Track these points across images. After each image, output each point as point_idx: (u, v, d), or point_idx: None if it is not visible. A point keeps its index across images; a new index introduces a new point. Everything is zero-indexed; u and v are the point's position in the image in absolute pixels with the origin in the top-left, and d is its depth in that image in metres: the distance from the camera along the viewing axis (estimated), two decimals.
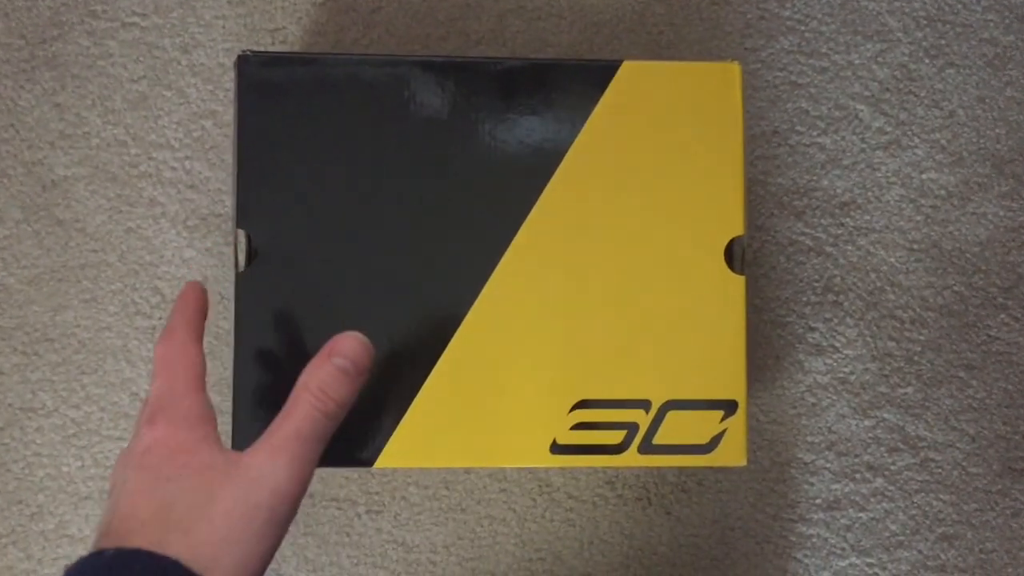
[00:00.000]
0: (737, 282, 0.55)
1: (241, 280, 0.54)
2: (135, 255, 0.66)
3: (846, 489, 0.67)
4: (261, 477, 0.35)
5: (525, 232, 0.54)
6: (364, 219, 0.54)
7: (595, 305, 0.55)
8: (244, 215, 0.54)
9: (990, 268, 0.68)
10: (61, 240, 0.65)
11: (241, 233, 0.54)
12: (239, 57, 0.55)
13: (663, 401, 0.54)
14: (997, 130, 0.68)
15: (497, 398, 0.54)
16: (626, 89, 0.55)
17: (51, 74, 0.66)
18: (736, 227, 0.55)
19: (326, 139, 0.54)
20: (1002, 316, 0.68)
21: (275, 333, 0.53)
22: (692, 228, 0.55)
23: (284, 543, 0.63)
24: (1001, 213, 0.68)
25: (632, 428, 0.54)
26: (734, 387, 0.55)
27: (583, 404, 0.54)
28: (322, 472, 0.65)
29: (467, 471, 0.66)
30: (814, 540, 0.67)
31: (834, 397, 0.67)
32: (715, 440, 0.55)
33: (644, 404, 0.54)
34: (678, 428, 0.54)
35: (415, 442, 0.53)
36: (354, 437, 0.53)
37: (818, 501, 0.67)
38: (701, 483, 0.66)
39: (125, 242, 0.66)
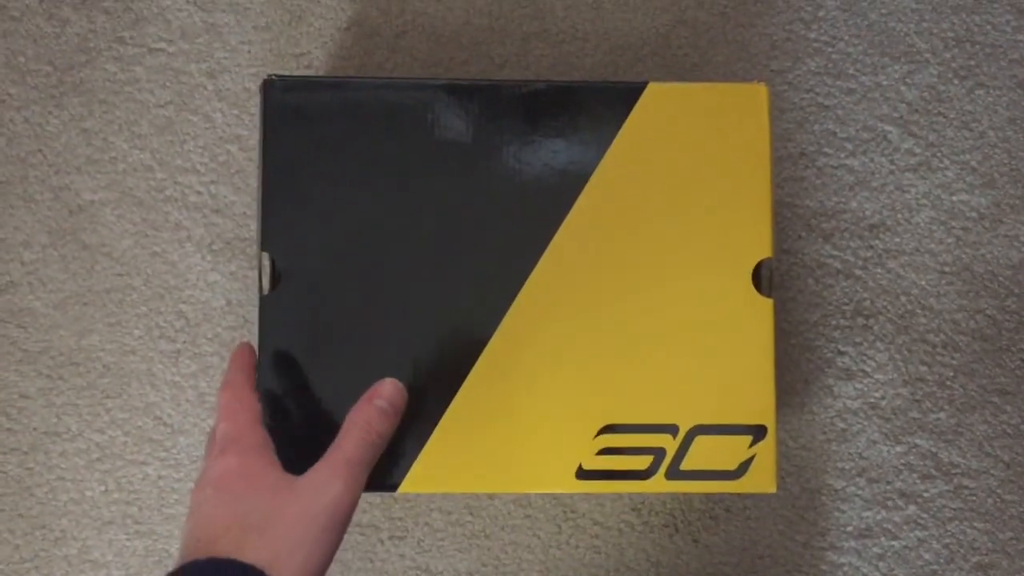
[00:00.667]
0: (765, 305, 0.54)
1: (265, 303, 0.53)
2: (160, 279, 0.66)
3: (878, 517, 0.65)
4: (321, 492, 0.42)
5: (550, 255, 0.54)
6: (388, 243, 0.54)
7: (621, 328, 0.54)
8: (268, 238, 0.54)
9: (1023, 291, 0.67)
10: (87, 264, 0.66)
11: (265, 256, 0.54)
12: (264, 82, 0.55)
13: (691, 426, 0.54)
14: None
15: (522, 423, 0.53)
16: (651, 111, 0.55)
17: (79, 100, 0.67)
18: (764, 249, 0.54)
19: (351, 162, 0.54)
20: None
21: (299, 356, 0.53)
22: (719, 250, 0.54)
23: None
24: None
25: (659, 453, 0.53)
26: (763, 412, 0.54)
27: (609, 429, 0.53)
28: None
29: (491, 497, 0.65)
30: (845, 569, 0.65)
31: (865, 423, 0.66)
32: (744, 466, 0.54)
33: (671, 429, 0.54)
34: (706, 453, 0.54)
35: (439, 467, 0.53)
36: (379, 462, 0.52)
37: (849, 529, 0.65)
38: (729, 510, 0.65)
39: (150, 266, 0.66)
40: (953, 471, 0.66)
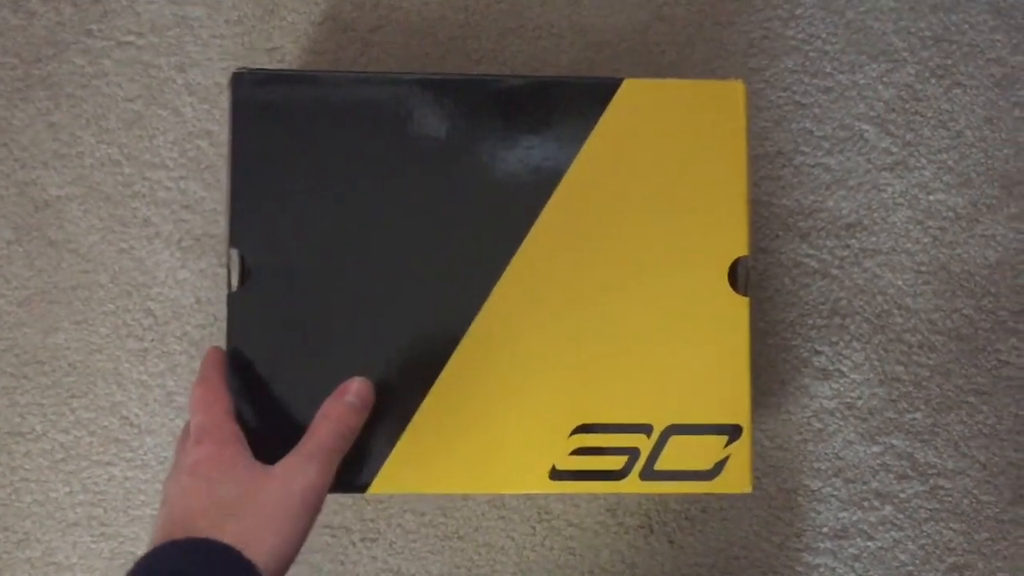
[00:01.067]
0: (741, 303, 0.54)
1: (233, 300, 0.52)
2: (128, 276, 0.64)
3: (854, 517, 0.65)
4: (294, 478, 0.44)
5: (523, 253, 0.53)
6: (360, 240, 0.53)
7: (595, 327, 0.53)
8: (237, 235, 0.53)
9: (1000, 291, 0.67)
10: (53, 261, 0.64)
11: (234, 253, 0.53)
12: (234, 75, 0.54)
13: (665, 425, 0.53)
14: (1005, 151, 0.67)
15: (495, 422, 0.53)
16: (628, 107, 0.54)
17: (45, 93, 0.65)
18: (740, 247, 0.54)
19: (322, 158, 0.53)
20: (1012, 340, 0.66)
21: (268, 354, 0.52)
22: (695, 248, 0.54)
23: None
24: (1010, 235, 0.67)
25: (633, 453, 0.53)
26: (738, 411, 0.53)
27: (583, 428, 0.53)
28: None
29: (464, 498, 0.64)
30: (821, 570, 0.65)
31: (841, 423, 0.66)
32: (719, 466, 0.53)
33: (646, 428, 0.53)
34: (681, 453, 0.53)
35: (411, 467, 0.52)
36: (348, 461, 0.51)
37: (825, 530, 0.65)
38: (705, 510, 0.65)
39: (118, 263, 0.64)
40: (929, 471, 0.65)
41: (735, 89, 0.55)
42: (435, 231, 0.53)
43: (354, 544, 0.64)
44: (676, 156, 0.54)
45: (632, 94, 0.55)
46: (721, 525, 0.65)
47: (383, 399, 0.52)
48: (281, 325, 0.52)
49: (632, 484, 0.53)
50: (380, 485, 0.52)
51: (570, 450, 0.53)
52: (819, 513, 0.65)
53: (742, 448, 0.53)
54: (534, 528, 0.64)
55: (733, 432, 0.53)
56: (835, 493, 0.65)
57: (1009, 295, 0.66)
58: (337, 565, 0.64)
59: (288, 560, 0.43)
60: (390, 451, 0.52)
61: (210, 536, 0.41)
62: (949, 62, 0.68)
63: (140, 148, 0.65)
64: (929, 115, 0.67)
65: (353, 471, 0.51)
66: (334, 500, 0.64)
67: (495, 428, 0.52)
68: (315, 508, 0.44)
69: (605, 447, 0.53)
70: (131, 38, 0.66)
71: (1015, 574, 0.65)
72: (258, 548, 0.41)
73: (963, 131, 0.67)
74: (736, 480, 0.53)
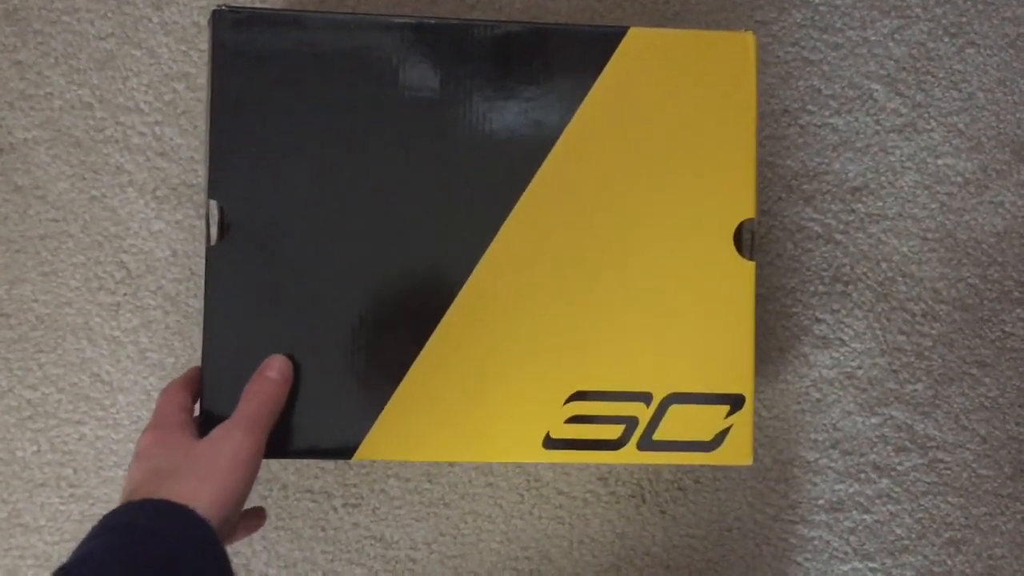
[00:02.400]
0: (747, 268, 0.51)
1: (212, 255, 0.50)
2: (99, 226, 0.61)
3: (850, 490, 0.63)
4: (223, 439, 0.47)
5: (520, 211, 0.51)
6: (346, 193, 0.50)
7: (594, 290, 0.51)
8: (217, 186, 0.50)
9: (1007, 260, 0.64)
10: (19, 208, 0.61)
11: (213, 204, 0.50)
12: (214, 12, 0.50)
13: (665, 394, 0.51)
14: (1018, 114, 0.65)
15: (487, 387, 0.50)
16: (632, 58, 0.51)
17: (11, 29, 0.61)
18: (747, 209, 0.51)
19: (307, 106, 0.50)
20: (1018, 311, 0.64)
21: (247, 311, 0.49)
22: (700, 210, 0.51)
23: (255, 537, 0.59)
24: (1020, 202, 0.64)
25: (631, 423, 0.51)
26: (741, 380, 0.51)
27: (579, 396, 0.50)
28: (297, 462, 0.61)
29: (451, 464, 0.62)
30: (816, 543, 0.63)
31: (840, 393, 0.64)
32: (719, 437, 0.51)
33: (645, 397, 0.51)
34: (680, 423, 0.51)
35: (398, 433, 0.50)
36: (331, 425, 0.50)
37: (821, 502, 0.63)
38: (698, 481, 0.63)
39: (89, 212, 0.61)
40: (928, 444, 0.64)
41: (745, 41, 0.52)
42: (425, 186, 0.50)
43: (336, 510, 0.61)
44: (681, 111, 0.51)
45: (637, 44, 0.52)
46: (714, 496, 0.63)
47: (370, 362, 0.49)
48: (262, 282, 0.50)
49: (629, 454, 0.51)
50: (366, 451, 0.50)
51: (565, 418, 0.50)
52: (815, 485, 0.63)
53: (744, 419, 0.51)
54: (522, 496, 0.62)
55: (735, 402, 0.51)
56: (832, 465, 0.63)
57: (1016, 265, 0.64)
58: (318, 531, 0.61)
59: (229, 509, 0.45)
60: (377, 416, 0.50)
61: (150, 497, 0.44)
62: (963, 19, 0.65)
63: (112, 90, 0.61)
64: (941, 75, 0.65)
65: (337, 435, 0.50)
66: (315, 464, 0.61)
67: (487, 393, 0.50)
68: (245, 464, 0.46)
69: (602, 415, 0.51)
70: None
71: (1013, 550, 0.64)
72: (198, 502, 0.43)
73: (975, 93, 0.65)
74: (737, 452, 0.51)
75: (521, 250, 0.51)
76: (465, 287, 0.50)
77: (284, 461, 0.61)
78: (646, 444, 0.51)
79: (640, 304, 0.51)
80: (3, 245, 0.61)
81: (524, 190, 0.51)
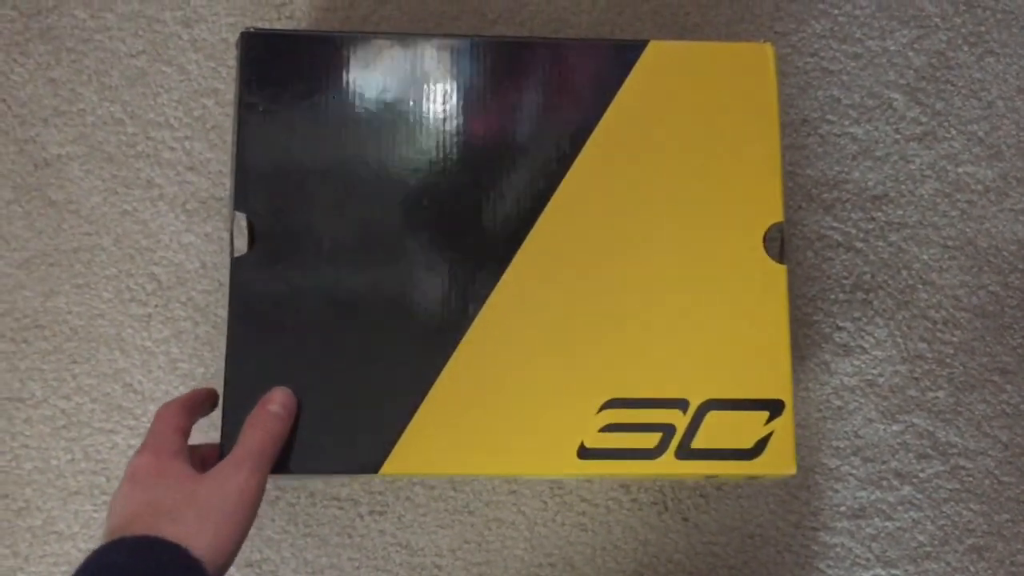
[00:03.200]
0: (778, 271, 0.52)
1: (237, 266, 0.50)
2: (131, 239, 0.62)
3: (872, 497, 0.64)
4: (228, 478, 0.46)
5: (546, 219, 0.51)
6: (372, 205, 0.51)
7: (626, 296, 0.51)
8: (243, 198, 0.51)
9: None
10: (53, 222, 0.62)
11: (240, 217, 0.51)
12: (242, 35, 0.52)
13: (702, 400, 0.50)
14: None
15: (517, 397, 0.50)
16: (653, 70, 0.52)
17: (45, 48, 0.63)
18: (775, 213, 0.52)
19: (332, 122, 0.51)
20: None
21: (272, 323, 0.50)
22: (728, 215, 0.52)
23: (282, 544, 0.60)
24: None
25: (668, 430, 0.50)
26: (779, 385, 0.50)
27: (614, 403, 0.50)
28: None
29: None
30: (838, 550, 0.64)
31: (861, 400, 0.64)
32: (760, 444, 0.50)
33: (681, 404, 0.50)
34: (719, 430, 0.50)
35: (425, 446, 0.49)
36: (357, 439, 0.49)
37: (843, 509, 0.64)
38: (720, 488, 0.63)
39: (120, 225, 0.62)
40: (950, 451, 0.64)
41: (764, 52, 0.53)
42: (449, 199, 0.51)
43: (362, 517, 0.62)
44: (704, 121, 0.52)
45: (657, 57, 0.52)
46: (736, 503, 0.63)
47: (396, 372, 0.50)
48: (287, 293, 0.50)
49: (668, 464, 0.50)
50: (392, 466, 0.49)
51: (600, 427, 0.50)
52: (836, 492, 0.64)
53: (784, 425, 0.50)
54: (546, 503, 0.63)
55: (774, 408, 0.50)
56: (853, 472, 0.64)
57: None
58: (344, 538, 0.62)
59: (228, 555, 0.44)
60: (403, 428, 0.49)
61: (146, 534, 0.43)
62: (982, 28, 0.65)
63: (144, 106, 0.63)
64: (960, 84, 0.65)
65: (363, 449, 0.49)
66: None
67: (517, 403, 0.50)
68: (250, 506, 0.46)
69: (638, 423, 0.50)
70: None
71: None
72: (196, 545, 0.42)
73: (995, 101, 0.65)
74: (780, 460, 0.50)
75: (550, 257, 0.51)
76: (492, 294, 0.51)
77: None
78: (684, 453, 0.50)
79: (672, 310, 0.51)
80: (38, 258, 0.62)
81: (549, 201, 0.51)
